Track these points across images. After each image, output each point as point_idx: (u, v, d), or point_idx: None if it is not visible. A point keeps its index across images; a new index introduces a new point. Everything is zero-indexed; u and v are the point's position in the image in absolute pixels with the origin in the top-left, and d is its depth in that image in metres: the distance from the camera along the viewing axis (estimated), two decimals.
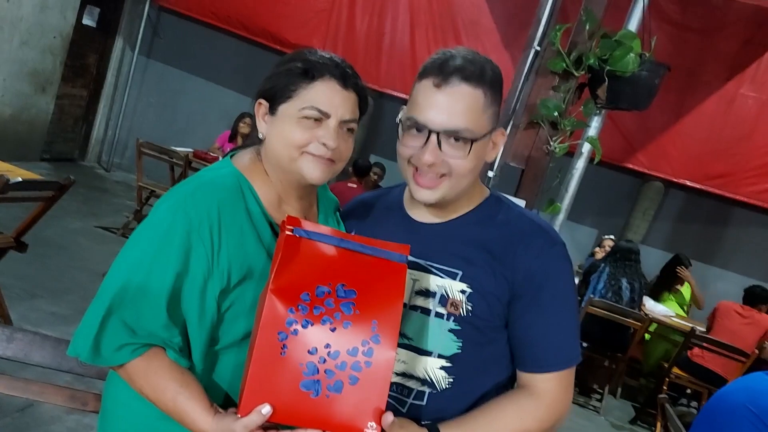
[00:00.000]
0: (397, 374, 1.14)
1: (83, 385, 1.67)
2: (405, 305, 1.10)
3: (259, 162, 1.16)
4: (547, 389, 1.12)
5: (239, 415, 0.93)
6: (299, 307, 0.94)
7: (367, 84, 6.57)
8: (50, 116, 6.85)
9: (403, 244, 1.04)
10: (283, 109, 1.10)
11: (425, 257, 1.14)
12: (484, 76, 1.07)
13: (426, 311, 1.13)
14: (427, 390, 1.14)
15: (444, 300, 1.12)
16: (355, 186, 5.25)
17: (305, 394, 0.92)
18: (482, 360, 1.15)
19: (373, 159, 6.48)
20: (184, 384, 1.02)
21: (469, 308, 1.11)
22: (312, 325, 0.94)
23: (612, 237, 5.73)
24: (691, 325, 4.67)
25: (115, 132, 7.64)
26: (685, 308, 5.59)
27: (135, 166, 5.51)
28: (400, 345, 1.09)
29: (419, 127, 1.08)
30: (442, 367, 1.13)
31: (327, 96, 1.08)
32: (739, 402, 2.27)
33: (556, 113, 1.55)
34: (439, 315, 1.12)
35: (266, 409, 0.92)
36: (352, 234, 1.11)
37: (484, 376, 1.16)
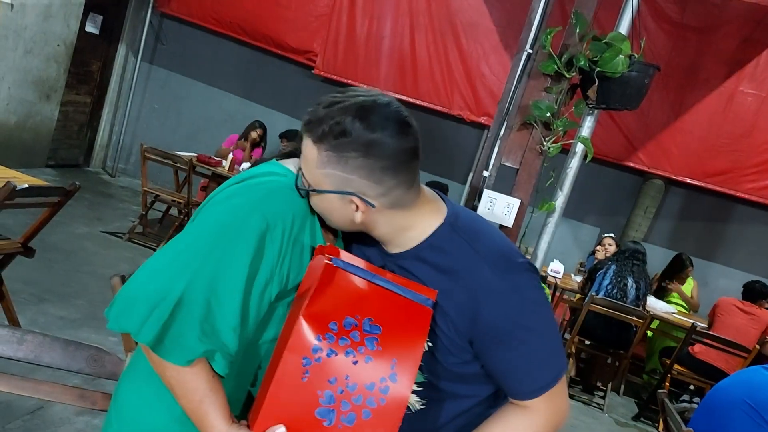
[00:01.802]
0: None
1: (92, 386, 1.71)
2: None
3: None
4: (540, 407, 1.12)
5: (253, 431, 0.96)
6: (326, 336, 0.95)
7: (369, 87, 6.61)
8: (55, 123, 6.92)
9: (430, 289, 1.06)
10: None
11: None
12: (325, 137, 1.02)
13: None
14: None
15: None
16: None
17: (319, 421, 0.94)
18: (453, 385, 1.15)
19: None
20: (214, 390, 1.03)
21: (429, 344, 1.08)
22: (336, 355, 0.95)
23: (611, 235, 5.76)
24: (692, 321, 4.70)
25: (119, 138, 7.71)
26: (688, 305, 5.62)
27: (139, 172, 5.56)
28: None
29: None
30: (414, 391, 1.09)
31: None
32: (737, 395, 2.31)
33: (548, 114, 1.58)
34: None
35: (280, 431, 0.94)
36: (384, 269, 1.11)
37: (459, 396, 1.16)
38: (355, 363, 0.95)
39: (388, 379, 0.96)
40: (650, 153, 6.22)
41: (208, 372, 1.03)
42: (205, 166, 5.58)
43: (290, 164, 1.17)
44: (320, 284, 0.98)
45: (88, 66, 7.25)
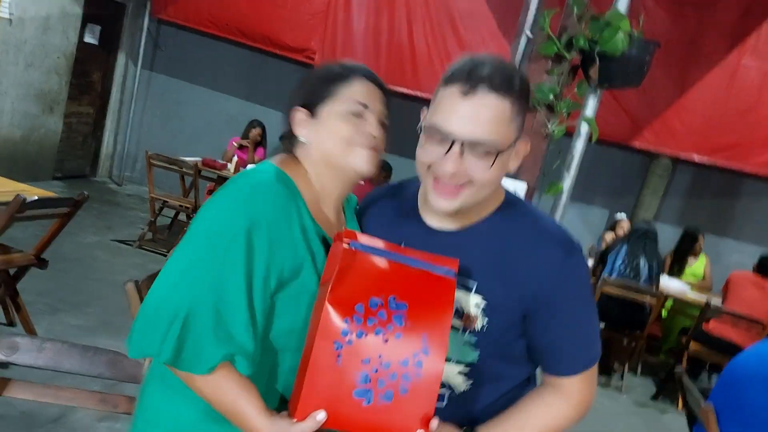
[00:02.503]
0: None
1: (113, 390, 1.73)
2: None
3: (299, 165, 1.19)
4: (574, 389, 1.16)
5: (295, 420, 0.97)
6: (354, 318, 0.96)
7: None
8: (59, 135, 6.96)
9: (452, 258, 1.06)
10: (326, 110, 1.17)
11: None
12: (512, 85, 1.03)
13: None
14: (447, 392, 1.16)
15: (459, 313, 1.12)
16: (363, 182, 5.29)
17: (358, 401, 0.96)
18: (499, 365, 1.17)
19: None
20: (245, 388, 1.05)
21: (485, 323, 1.12)
22: (366, 335, 0.96)
23: (623, 215, 5.75)
24: (706, 298, 4.69)
25: (123, 146, 7.74)
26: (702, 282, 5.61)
27: (145, 179, 5.59)
28: None
29: (443, 136, 1.04)
30: (461, 372, 1.15)
31: (365, 91, 1.18)
32: (753, 369, 2.31)
33: (551, 96, 1.58)
34: (454, 329, 1.11)
35: (321, 416, 0.96)
36: (402, 246, 1.11)
37: (504, 377, 1.19)
38: (386, 341, 0.96)
39: (421, 353, 0.97)
40: (655, 132, 6.19)
41: (234, 373, 1.05)
42: (211, 169, 5.60)
43: (274, 160, 1.20)
44: (341, 269, 0.99)
45: (89, 76, 7.29)
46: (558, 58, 1.79)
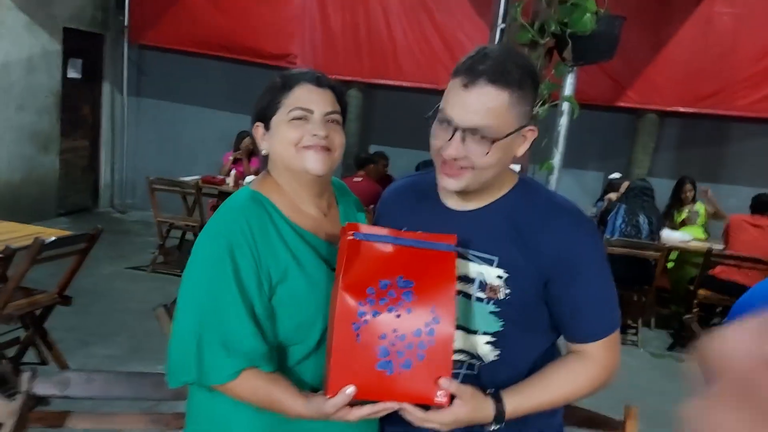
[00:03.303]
0: None
1: (160, 409, 1.84)
2: None
3: (270, 178, 1.31)
4: (597, 354, 1.21)
5: (328, 396, 1.08)
6: (367, 300, 1.08)
7: (354, 78, 6.66)
8: (57, 172, 7.06)
9: (449, 235, 1.18)
10: (275, 120, 1.27)
11: (462, 244, 1.20)
12: (510, 77, 1.12)
13: (467, 296, 1.21)
14: (477, 362, 1.23)
15: (483, 285, 1.20)
16: (360, 179, 5.39)
17: (381, 373, 1.07)
18: (525, 333, 1.23)
19: (373, 149, 6.64)
20: (275, 381, 1.17)
21: (507, 292, 1.19)
22: (380, 314, 1.08)
23: (618, 175, 5.86)
24: (707, 245, 4.80)
25: (122, 175, 7.84)
26: (704, 229, 5.70)
27: (148, 204, 5.70)
28: None
29: (447, 123, 1.16)
30: (488, 343, 1.22)
31: (306, 96, 1.26)
32: (758, 306, 2.42)
33: None
34: (479, 299, 1.20)
35: (350, 390, 1.07)
36: (403, 230, 1.20)
37: (529, 345, 1.25)
38: (398, 316, 1.08)
39: (432, 322, 1.08)
40: (639, 89, 6.28)
41: (260, 373, 1.17)
42: (212, 186, 5.71)
43: (256, 179, 1.35)
44: (348, 258, 1.12)
45: (78, 111, 7.38)
46: (533, 44, 1.88)
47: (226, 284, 1.16)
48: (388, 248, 1.15)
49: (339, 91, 1.32)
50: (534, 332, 1.25)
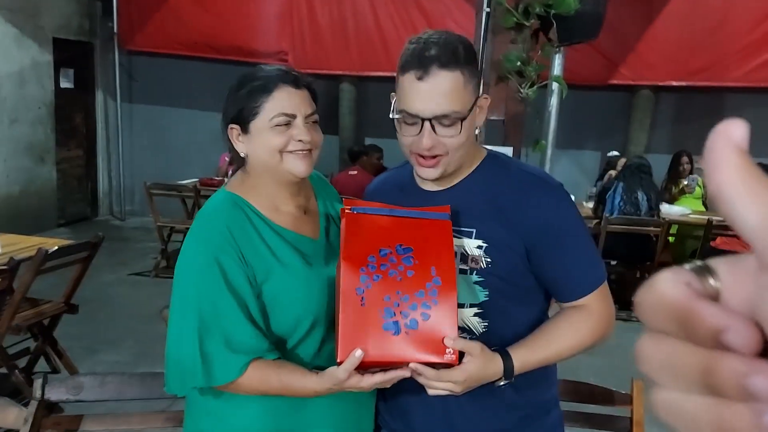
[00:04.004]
0: None
1: (174, 408, 1.86)
2: None
3: (248, 178, 1.31)
4: (594, 305, 1.24)
5: (338, 360, 1.10)
6: (368, 267, 1.12)
7: (345, 72, 6.63)
8: (55, 183, 7.08)
9: (443, 206, 1.22)
10: (255, 125, 1.25)
11: None
12: (458, 57, 1.16)
13: None
14: (467, 336, 1.24)
15: (465, 258, 1.24)
16: (356, 173, 5.39)
17: (388, 333, 1.09)
18: (510, 302, 1.26)
19: (368, 141, 6.64)
20: (282, 366, 1.21)
21: (488, 260, 1.22)
22: (381, 278, 1.11)
23: (616, 153, 5.86)
24: (707, 217, 4.81)
25: (119, 181, 7.85)
26: (703, 200, 5.71)
27: (147, 210, 5.71)
28: None
29: (413, 118, 1.18)
30: (476, 314, 1.24)
31: (288, 100, 1.25)
32: None
33: (519, 63, 1.68)
34: (462, 271, 1.23)
35: (359, 353, 1.08)
36: (398, 206, 1.25)
37: (517, 315, 1.27)
38: (399, 279, 1.11)
39: (433, 283, 1.11)
40: (631, 66, 6.27)
41: (266, 362, 1.20)
42: (210, 188, 5.71)
43: (233, 179, 1.36)
44: (347, 230, 1.16)
45: (72, 121, 7.38)
46: (519, 27, 1.89)
47: (219, 289, 1.19)
48: (385, 220, 1.19)
49: (312, 86, 1.32)
50: (520, 301, 1.27)
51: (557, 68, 2.25)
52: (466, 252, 1.24)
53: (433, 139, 1.17)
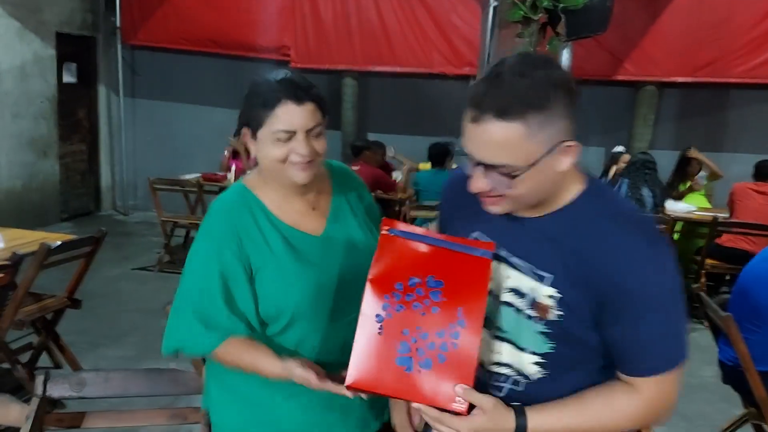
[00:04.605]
0: (495, 363, 1.17)
1: (178, 404, 1.85)
2: (497, 299, 1.15)
3: (261, 175, 1.41)
4: (646, 390, 1.09)
5: (346, 385, 1.07)
6: (393, 295, 1.08)
7: (347, 67, 6.63)
8: (58, 177, 7.07)
9: (488, 242, 1.16)
10: (260, 134, 1.32)
11: (520, 254, 1.13)
12: (524, 103, 0.98)
13: (518, 310, 1.13)
14: (523, 380, 1.16)
15: (533, 303, 1.11)
16: (359, 168, 5.37)
17: (400, 368, 1.05)
18: (575, 357, 1.13)
19: (370, 137, 6.61)
20: (254, 346, 1.31)
21: (559, 314, 1.09)
22: (404, 309, 1.07)
23: (621, 148, 5.83)
24: (713, 214, 4.79)
25: (122, 176, 7.85)
26: (708, 197, 5.68)
27: (150, 205, 5.70)
28: (497, 337, 1.16)
29: (468, 156, 1.06)
30: (536, 363, 1.14)
31: (288, 117, 1.29)
32: (761, 273, 2.42)
33: None
34: (529, 317, 1.12)
35: (299, 371, 1.18)
36: (443, 234, 1.18)
37: (579, 369, 1.15)
38: (423, 314, 1.07)
39: (457, 324, 1.06)
40: (636, 62, 6.24)
41: (241, 340, 1.32)
42: (212, 183, 5.71)
43: (251, 173, 1.44)
44: (379, 252, 1.12)
45: (74, 115, 7.37)
46: (526, 21, 1.86)
47: (211, 275, 1.32)
48: (422, 247, 1.14)
49: (319, 97, 1.33)
50: (584, 356, 1.13)
51: (565, 63, 2.23)
52: (536, 299, 1.11)
53: (484, 184, 1.06)
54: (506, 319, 1.15)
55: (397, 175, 5.99)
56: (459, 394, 1.04)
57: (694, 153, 5.48)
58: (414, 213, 4.87)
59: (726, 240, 4.74)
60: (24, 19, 6.38)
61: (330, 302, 1.37)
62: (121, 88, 7.55)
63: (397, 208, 5.37)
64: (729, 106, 6.47)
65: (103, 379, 1.62)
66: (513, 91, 0.99)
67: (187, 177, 5.79)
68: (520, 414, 1.09)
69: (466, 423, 1.05)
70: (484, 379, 1.19)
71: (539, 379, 1.14)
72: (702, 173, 5.59)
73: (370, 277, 1.10)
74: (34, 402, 1.53)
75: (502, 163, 1.01)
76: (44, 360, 3.39)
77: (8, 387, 2.98)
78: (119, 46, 7.36)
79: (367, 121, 7.21)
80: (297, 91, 1.29)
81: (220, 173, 5.89)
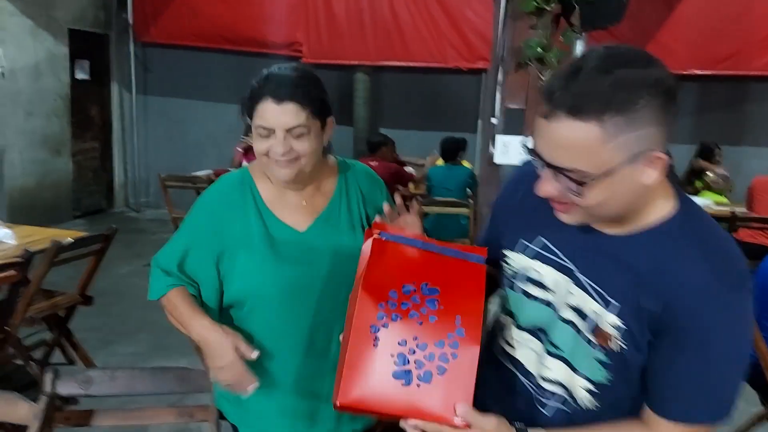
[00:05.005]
0: (546, 379, 1.11)
1: (185, 402, 1.83)
2: (556, 312, 1.08)
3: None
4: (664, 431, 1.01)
5: (338, 403, 0.99)
6: (388, 303, 1.01)
7: (360, 62, 6.56)
8: (71, 175, 7.10)
9: (481, 247, 1.11)
10: (252, 126, 1.37)
11: (589, 274, 1.03)
12: (604, 104, 0.86)
13: (578, 330, 1.05)
14: (572, 403, 1.09)
15: (595, 329, 1.02)
16: (376, 164, 5.32)
17: (397, 382, 0.98)
18: (633, 396, 1.05)
19: (382, 132, 6.58)
20: (189, 301, 1.39)
21: (623, 346, 0.99)
22: (401, 318, 1.00)
23: None
24: (730, 210, 4.71)
25: (134, 173, 7.88)
26: (725, 194, 5.60)
27: (161, 202, 5.70)
28: (551, 354, 1.09)
29: (536, 155, 0.96)
30: (588, 390, 1.06)
31: (266, 115, 1.31)
32: None
33: (539, 50, 1.62)
34: (588, 341, 1.03)
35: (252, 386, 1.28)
36: (433, 239, 1.13)
37: (631, 404, 1.06)
38: (420, 323, 1.00)
39: (455, 334, 1.00)
40: (653, 54, 6.14)
41: (182, 293, 1.40)
42: None
43: (251, 164, 1.50)
44: (372, 258, 1.05)
45: (87, 112, 7.40)
46: (539, 12, 1.81)
47: (180, 238, 1.44)
48: (414, 253, 1.08)
49: (306, 98, 1.31)
50: (634, 386, 1.05)
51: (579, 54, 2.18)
52: (599, 325, 1.01)
53: (552, 188, 0.95)
54: (563, 336, 1.07)
55: (410, 170, 5.95)
56: (459, 414, 0.98)
57: (702, 164, 5.44)
58: (426, 209, 4.82)
59: (744, 235, 4.66)
60: (36, 17, 6.41)
61: (300, 297, 1.38)
62: (133, 85, 7.57)
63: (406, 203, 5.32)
64: (748, 99, 6.36)
65: (110, 377, 1.60)
66: (591, 87, 0.87)
67: (199, 174, 5.78)
68: None
69: None
70: (533, 392, 1.13)
71: (588, 410, 1.07)
72: (721, 170, 5.51)
73: (363, 284, 1.02)
74: (43, 400, 1.52)
75: (572, 167, 0.90)
76: (58, 357, 3.40)
77: (21, 383, 2.99)
78: (131, 43, 7.38)
79: (380, 116, 7.17)
80: (279, 89, 1.30)
81: (232, 170, 5.88)
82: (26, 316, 2.91)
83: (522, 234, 1.13)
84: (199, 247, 1.41)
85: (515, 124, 1.70)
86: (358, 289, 1.03)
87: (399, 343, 1.00)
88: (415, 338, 1.00)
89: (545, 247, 1.09)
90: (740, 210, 4.74)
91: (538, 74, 1.57)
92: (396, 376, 0.99)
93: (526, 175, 1.13)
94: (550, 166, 0.93)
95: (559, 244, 1.07)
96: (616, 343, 1.00)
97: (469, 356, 0.99)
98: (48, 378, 1.55)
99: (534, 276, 1.10)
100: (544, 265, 1.09)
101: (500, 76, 1.69)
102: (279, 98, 1.30)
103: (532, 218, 1.11)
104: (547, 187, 0.96)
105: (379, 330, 1.00)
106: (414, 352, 0.99)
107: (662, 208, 1.00)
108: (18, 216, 5.84)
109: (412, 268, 1.06)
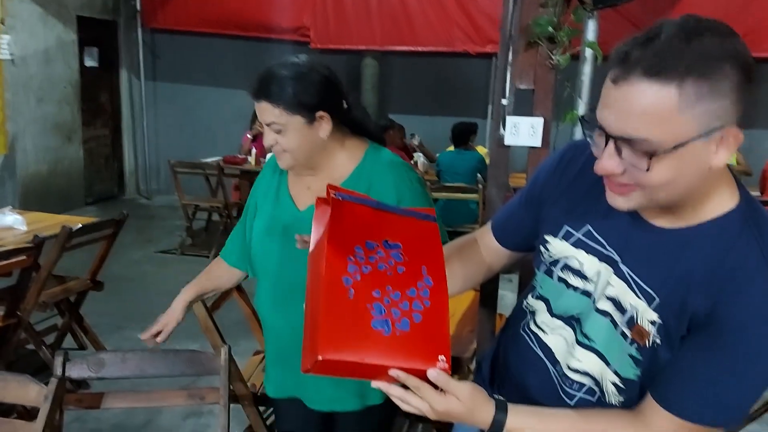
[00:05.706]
0: (573, 369, 1.08)
1: (196, 385, 1.85)
2: (593, 303, 1.05)
3: None
4: (657, 421, 0.96)
5: (320, 357, 0.95)
6: (356, 257, 1.01)
7: (367, 47, 6.49)
8: (82, 162, 7.14)
9: (429, 208, 1.16)
10: None
11: (634, 267, 0.98)
12: (682, 64, 0.80)
13: (614, 323, 1.01)
14: (598, 393, 1.07)
15: (632, 323, 0.98)
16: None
17: (377, 332, 0.96)
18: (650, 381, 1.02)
19: (390, 118, 6.55)
20: (207, 271, 1.76)
21: (657, 342, 0.95)
22: (371, 270, 1.01)
23: None
24: None
25: (144, 160, 7.90)
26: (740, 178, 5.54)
27: (172, 188, 5.72)
28: (582, 344, 1.07)
29: (599, 129, 0.88)
30: (615, 385, 1.04)
31: (258, 109, 1.43)
32: None
33: (549, 28, 1.59)
34: (623, 335, 1.00)
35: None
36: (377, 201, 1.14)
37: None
38: (390, 274, 1.02)
39: (424, 282, 1.02)
40: None
41: (219, 263, 1.74)
42: (233, 165, 5.71)
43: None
44: (333, 217, 1.06)
45: (97, 99, 7.42)
46: None
47: (245, 211, 1.66)
48: (370, 212, 1.09)
49: (277, 94, 1.38)
50: None
51: (591, 34, 2.14)
52: (636, 318, 0.97)
53: (614, 164, 0.87)
54: (598, 328, 1.03)
55: (418, 157, 5.93)
56: (431, 378, 0.95)
57: None
58: (435, 194, 4.81)
59: None
60: (46, 4, 6.41)
61: (289, 269, 1.47)
62: (142, 71, 7.58)
63: None
64: (760, 81, 6.20)
65: (121, 359, 1.61)
66: (672, 50, 0.81)
67: (208, 160, 5.80)
68: (500, 409, 1.00)
69: (443, 401, 0.96)
70: (556, 379, 1.11)
71: (612, 404, 1.05)
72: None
73: (328, 241, 1.01)
74: (53, 383, 1.54)
75: (642, 137, 0.83)
76: (69, 342, 3.43)
77: (33, 367, 3.02)
78: (140, 30, 7.37)
79: (388, 101, 7.14)
80: (255, 87, 1.40)
81: (241, 156, 5.88)
82: (38, 301, 2.94)
83: (568, 220, 1.08)
84: (246, 216, 1.64)
85: (525, 105, 1.69)
86: (324, 244, 1.03)
87: (373, 294, 0.99)
88: (388, 288, 1.00)
89: (589, 234, 1.05)
90: (754, 194, 4.69)
91: (548, 54, 1.55)
92: (375, 325, 0.97)
93: (575, 156, 1.08)
94: (615, 138, 0.86)
95: (605, 233, 1.03)
96: (652, 339, 0.96)
97: (441, 303, 1.00)
98: (58, 361, 1.57)
99: (574, 265, 1.07)
100: (588, 255, 1.05)
101: (509, 56, 1.68)
102: (255, 96, 1.41)
103: (581, 204, 1.06)
104: (610, 163, 0.88)
105: (351, 282, 0.99)
106: (389, 301, 0.99)
107: (723, 200, 0.93)
108: (31, 203, 5.89)
109: (371, 225, 1.08)
